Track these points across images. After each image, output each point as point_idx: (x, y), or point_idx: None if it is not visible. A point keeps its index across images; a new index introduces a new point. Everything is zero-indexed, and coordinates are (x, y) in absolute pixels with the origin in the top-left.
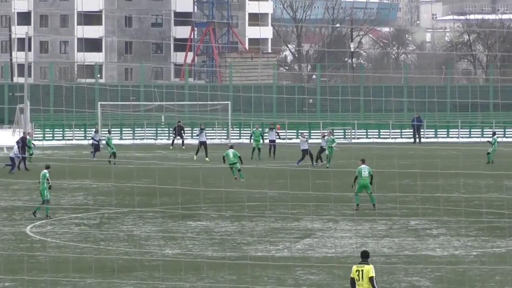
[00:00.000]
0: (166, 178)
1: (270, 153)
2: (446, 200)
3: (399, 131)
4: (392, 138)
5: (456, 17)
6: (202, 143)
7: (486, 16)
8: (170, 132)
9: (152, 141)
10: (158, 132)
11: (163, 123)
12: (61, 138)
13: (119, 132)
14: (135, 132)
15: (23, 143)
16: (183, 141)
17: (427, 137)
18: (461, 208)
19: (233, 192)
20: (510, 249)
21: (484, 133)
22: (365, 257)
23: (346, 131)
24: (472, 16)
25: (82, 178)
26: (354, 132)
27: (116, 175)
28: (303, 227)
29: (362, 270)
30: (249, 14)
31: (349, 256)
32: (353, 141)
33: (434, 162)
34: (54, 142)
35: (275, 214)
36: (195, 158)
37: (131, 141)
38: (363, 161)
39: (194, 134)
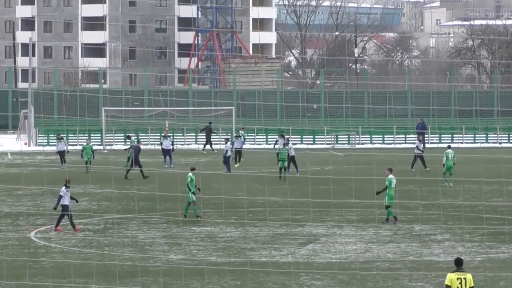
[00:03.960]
0: (169, 184)
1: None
2: (450, 205)
3: (403, 136)
4: (396, 143)
5: (460, 22)
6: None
7: (490, 22)
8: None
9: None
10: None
11: (167, 129)
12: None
13: (123, 138)
14: (140, 137)
15: (136, 153)
16: (210, 144)
17: (431, 143)
18: (465, 214)
19: (237, 197)
20: None
21: (489, 139)
22: (460, 264)
23: (350, 136)
24: (476, 22)
25: (86, 184)
26: (358, 137)
27: (119, 181)
28: (307, 233)
29: (465, 279)
30: (253, 19)
31: (353, 261)
32: (357, 146)
33: (438, 167)
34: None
35: (279, 219)
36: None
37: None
38: (391, 171)
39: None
